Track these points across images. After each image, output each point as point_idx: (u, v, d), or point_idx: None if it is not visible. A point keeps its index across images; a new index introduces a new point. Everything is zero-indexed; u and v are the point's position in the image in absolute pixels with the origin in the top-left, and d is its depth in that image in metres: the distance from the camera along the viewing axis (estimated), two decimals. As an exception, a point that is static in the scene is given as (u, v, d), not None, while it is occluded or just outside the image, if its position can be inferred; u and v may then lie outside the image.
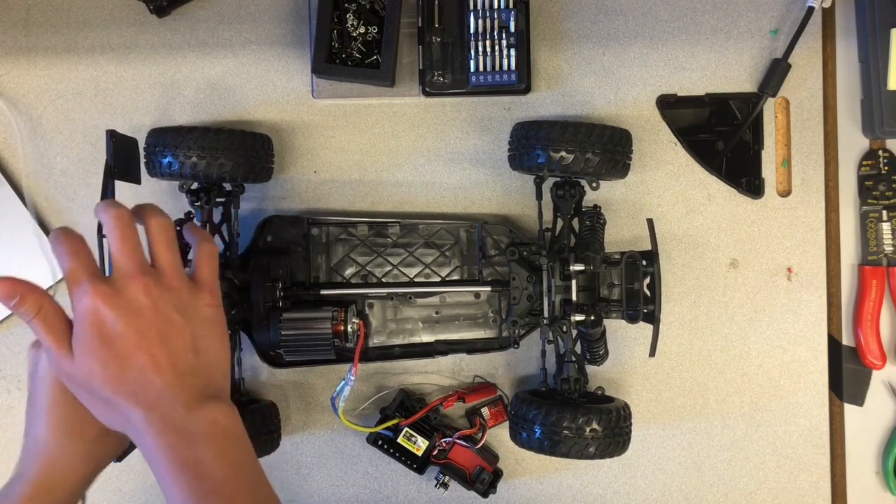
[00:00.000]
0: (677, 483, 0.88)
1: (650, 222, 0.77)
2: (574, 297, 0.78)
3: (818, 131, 0.88)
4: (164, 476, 0.51)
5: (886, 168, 0.87)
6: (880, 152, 0.88)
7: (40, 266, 0.86)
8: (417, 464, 0.83)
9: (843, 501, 0.88)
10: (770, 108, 0.88)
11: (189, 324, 0.54)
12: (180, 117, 0.87)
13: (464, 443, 0.83)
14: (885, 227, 0.87)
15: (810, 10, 0.86)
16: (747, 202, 0.88)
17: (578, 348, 0.82)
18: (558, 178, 0.82)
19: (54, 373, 0.54)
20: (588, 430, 0.74)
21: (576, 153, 0.77)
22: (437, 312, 0.85)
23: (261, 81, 0.87)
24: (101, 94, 0.87)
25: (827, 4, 0.86)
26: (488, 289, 0.84)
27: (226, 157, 0.77)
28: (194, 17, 0.87)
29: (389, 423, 0.82)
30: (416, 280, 0.85)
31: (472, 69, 0.83)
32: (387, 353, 0.85)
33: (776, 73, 0.86)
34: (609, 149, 0.78)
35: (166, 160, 0.77)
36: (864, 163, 0.88)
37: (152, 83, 0.87)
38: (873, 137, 0.88)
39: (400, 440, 0.82)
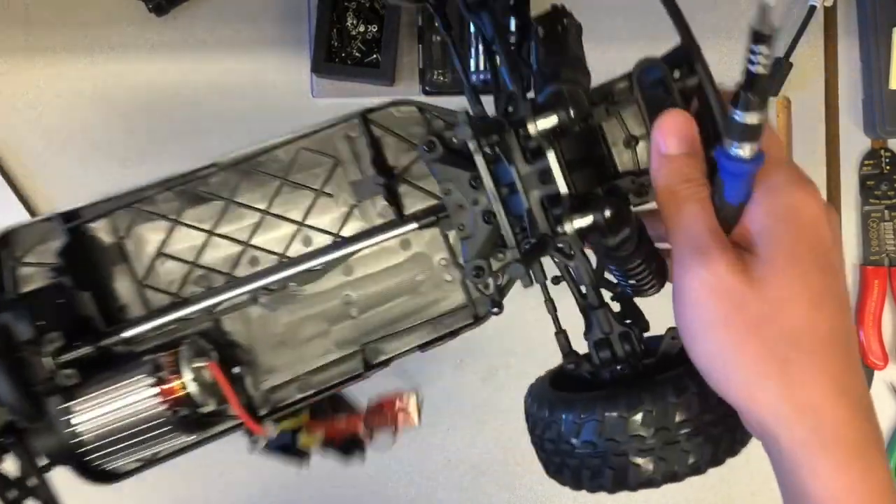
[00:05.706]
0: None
1: None
2: (561, 186, 0.40)
3: (819, 131, 0.88)
4: None
5: (888, 167, 0.87)
6: (882, 152, 0.87)
7: (40, 266, 0.86)
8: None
9: (844, 502, 0.88)
10: (771, 107, 0.88)
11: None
12: (180, 117, 0.87)
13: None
14: (887, 227, 0.87)
15: (812, 9, 0.85)
16: (748, 202, 0.88)
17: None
18: None
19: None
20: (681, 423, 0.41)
21: None
22: (346, 300, 0.49)
23: (261, 81, 0.87)
24: (101, 93, 0.87)
25: (829, 3, 0.86)
26: (415, 225, 0.47)
27: None
28: (194, 16, 0.87)
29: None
30: (288, 255, 0.49)
31: (473, 68, 0.83)
32: (291, 400, 0.48)
33: (777, 72, 0.86)
34: None
35: None
36: (866, 162, 0.88)
37: (152, 83, 0.87)
38: (875, 137, 0.87)
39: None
